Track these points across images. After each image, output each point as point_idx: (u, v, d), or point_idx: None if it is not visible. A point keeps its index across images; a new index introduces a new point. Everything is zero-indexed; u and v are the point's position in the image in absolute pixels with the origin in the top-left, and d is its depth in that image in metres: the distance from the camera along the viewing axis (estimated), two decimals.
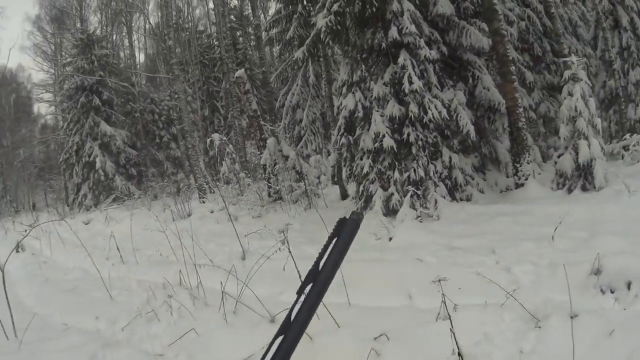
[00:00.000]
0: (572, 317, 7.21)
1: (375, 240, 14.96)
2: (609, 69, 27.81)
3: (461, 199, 17.81)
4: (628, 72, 27.57)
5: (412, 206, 16.28)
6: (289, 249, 9.44)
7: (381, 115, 16.93)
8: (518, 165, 18.61)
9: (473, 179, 18.83)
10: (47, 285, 15.87)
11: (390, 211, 16.86)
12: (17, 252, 24.00)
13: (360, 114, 17.35)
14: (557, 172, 17.96)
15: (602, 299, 8.60)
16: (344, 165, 19.23)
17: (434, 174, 16.96)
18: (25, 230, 14.33)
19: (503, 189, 19.50)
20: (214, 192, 31.47)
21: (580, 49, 28.41)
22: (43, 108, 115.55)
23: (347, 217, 2.04)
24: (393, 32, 16.90)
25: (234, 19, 50.65)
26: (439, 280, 7.62)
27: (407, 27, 16.81)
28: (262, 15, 50.68)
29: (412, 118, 16.69)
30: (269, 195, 24.21)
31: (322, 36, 17.73)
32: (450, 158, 17.63)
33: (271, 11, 47.26)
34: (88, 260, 16.91)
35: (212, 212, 25.68)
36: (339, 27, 17.62)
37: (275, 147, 23.15)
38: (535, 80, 25.62)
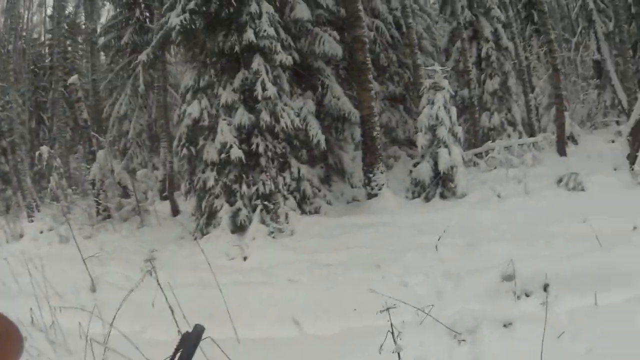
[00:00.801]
0: (505, 326, 7.32)
1: (228, 261, 13.70)
2: (461, 78, 28.15)
3: (310, 212, 17.08)
4: (485, 81, 27.96)
5: (263, 221, 15.39)
6: (157, 280, 7.94)
7: (229, 124, 15.72)
8: (371, 175, 18.14)
9: (320, 190, 18.19)
10: None
11: (238, 228, 15.64)
12: None
13: (206, 123, 16.03)
14: (413, 180, 18.00)
15: (522, 304, 8.46)
16: (184, 179, 17.54)
17: (283, 187, 16.19)
18: None
19: (349, 199, 19.33)
20: (40, 211, 29.41)
21: (423, 60, 27.84)
22: None
23: (190, 330, 2.15)
24: (249, 34, 15.81)
25: (67, 27, 48.06)
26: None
27: (265, 30, 15.86)
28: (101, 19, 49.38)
29: (263, 127, 15.74)
30: (98, 213, 22.22)
31: (173, 36, 16.35)
32: (298, 169, 16.84)
33: (104, 18, 45.31)
34: None
35: (41, 232, 23.63)
36: (193, 27, 16.10)
37: (106, 161, 21.27)
38: (378, 90, 24.75)
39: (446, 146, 17.26)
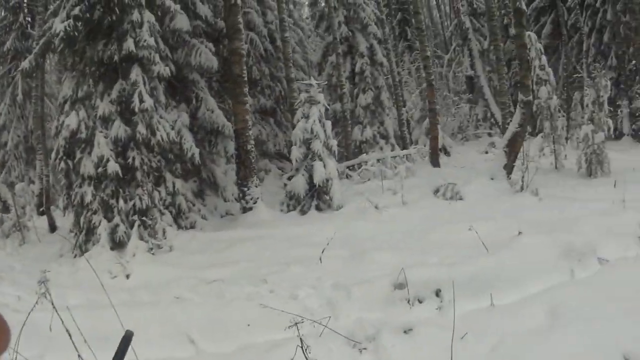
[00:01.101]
0: (406, 332, 7.42)
1: (111, 279, 13.12)
2: (334, 92, 28.48)
3: (186, 227, 16.86)
4: (358, 95, 28.71)
5: (141, 237, 14.92)
6: (52, 302, 7.35)
7: (105, 137, 15.24)
8: (245, 189, 18.03)
9: (194, 205, 18.05)
10: None
11: (117, 244, 15.12)
12: None
13: (84, 135, 15.43)
14: (288, 193, 18.13)
15: (418, 310, 8.70)
16: (62, 194, 17.06)
17: (159, 202, 15.83)
18: None
19: (223, 213, 19.14)
20: None
21: (295, 73, 27.90)
22: None
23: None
24: (129, 44, 15.38)
25: None
26: None
27: (145, 40, 15.45)
28: None
29: (140, 140, 15.36)
30: None
31: (56, 43, 15.81)
32: (173, 184, 16.58)
33: None
34: None
35: None
36: (76, 34, 15.58)
37: None
38: (250, 103, 24.90)
39: (321, 159, 17.44)
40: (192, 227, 16.94)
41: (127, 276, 13.12)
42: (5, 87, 30.25)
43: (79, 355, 6.99)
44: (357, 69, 28.81)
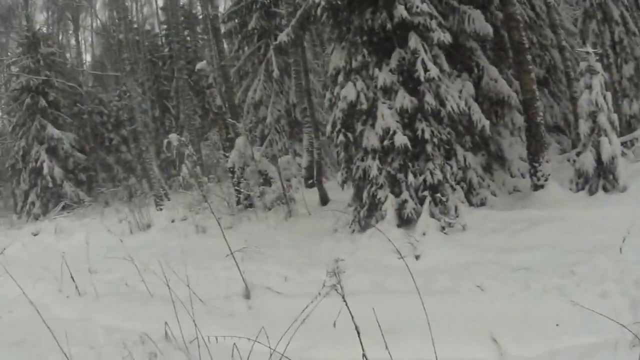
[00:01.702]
0: None
1: (398, 260, 12.09)
2: (600, 62, 26.07)
3: (476, 204, 15.79)
4: (621, 66, 26.57)
5: (432, 214, 14.05)
6: (343, 297, 6.29)
7: (389, 108, 14.50)
8: (537, 164, 16.53)
9: (484, 180, 16.81)
10: None
11: (404, 221, 14.41)
12: None
13: (364, 107, 14.76)
14: (577, 171, 16.17)
15: None
16: (341, 167, 16.42)
17: (450, 176, 14.85)
18: None
19: (511, 190, 17.68)
20: (170, 199, 28.89)
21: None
22: None
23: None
24: (400, 10, 14.45)
25: (183, 18, 48.28)
26: None
27: (417, 6, 14.49)
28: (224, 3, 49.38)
29: (429, 111, 14.43)
30: (238, 203, 21.61)
31: (318, 13, 15.37)
32: (464, 157, 15.60)
33: (221, 7, 45.29)
34: (38, 287, 14.32)
35: (172, 221, 23.05)
36: (339, 3, 15.08)
37: (246, 147, 20.44)
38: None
39: (606, 135, 15.76)
40: (483, 204, 15.96)
41: (417, 257, 12.32)
42: (257, 65, 30.52)
43: (363, 355, 6.20)
44: (615, 38, 26.58)
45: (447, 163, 14.85)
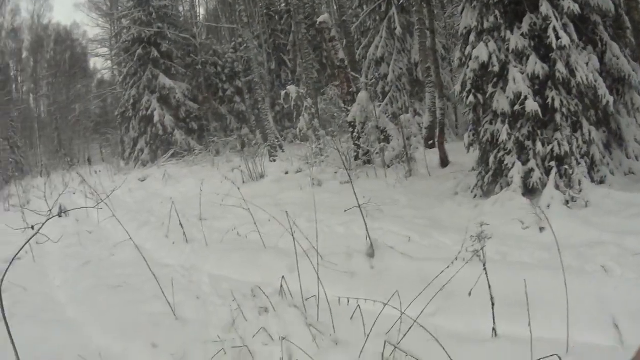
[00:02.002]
0: None
1: (522, 230, 11.65)
2: None
3: (596, 181, 14.69)
4: None
5: (557, 187, 13.19)
6: (484, 264, 6.26)
7: (521, 73, 13.72)
8: None
9: (604, 157, 15.66)
10: (86, 272, 12.47)
11: (529, 191, 13.65)
12: (60, 216, 21.52)
13: (496, 69, 13.92)
14: None
15: None
16: (468, 130, 15.87)
17: (576, 149, 13.91)
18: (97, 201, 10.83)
19: (627, 171, 16.39)
20: (284, 151, 28.75)
21: None
22: (99, 63, 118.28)
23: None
24: None
25: None
26: None
27: None
28: None
29: (560, 79, 13.58)
30: (356, 158, 21.05)
31: None
32: (589, 131, 14.44)
33: None
34: (142, 232, 14.24)
35: (286, 173, 22.83)
36: None
37: (368, 103, 19.99)
38: None
39: None
40: (602, 182, 14.83)
41: (541, 229, 11.47)
42: (378, 22, 30.02)
43: (493, 329, 6.31)
44: None
45: (574, 135, 14.02)
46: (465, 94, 14.66)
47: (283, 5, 47.88)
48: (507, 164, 13.83)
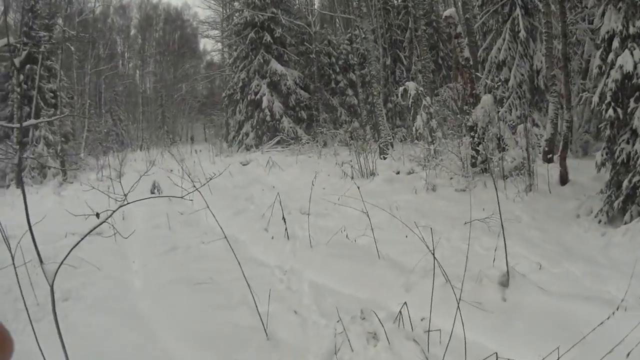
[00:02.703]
0: None
1: None
2: None
3: None
4: None
5: None
6: None
7: None
8: None
9: None
10: (169, 260, 11.91)
11: None
12: (152, 193, 21.15)
13: None
14: None
15: None
16: (604, 148, 14.64)
17: None
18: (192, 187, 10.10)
19: None
20: (394, 149, 28.06)
21: None
22: (209, 45, 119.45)
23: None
24: None
25: None
26: None
27: None
28: None
29: None
30: (473, 165, 19.92)
31: None
32: None
33: None
34: (239, 221, 13.71)
35: (397, 173, 22.01)
36: None
37: (493, 107, 19.06)
38: None
39: None
40: None
41: None
42: (501, 23, 28.92)
43: None
44: None
45: None
46: (604, 106, 13.34)
47: (401, 0, 46.81)
48: None
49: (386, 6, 45.94)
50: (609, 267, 10.04)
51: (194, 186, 7.63)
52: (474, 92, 20.10)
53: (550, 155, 20.18)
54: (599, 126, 16.79)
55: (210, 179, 8.59)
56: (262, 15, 42.96)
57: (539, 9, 25.43)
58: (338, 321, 7.36)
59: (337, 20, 54.20)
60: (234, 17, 49.44)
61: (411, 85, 21.12)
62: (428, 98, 21.91)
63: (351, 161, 22.24)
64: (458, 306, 6.11)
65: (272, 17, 43.65)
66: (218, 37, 66.95)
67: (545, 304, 7.68)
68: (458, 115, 21.55)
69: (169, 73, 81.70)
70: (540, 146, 20.60)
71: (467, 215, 9.79)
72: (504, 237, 8.72)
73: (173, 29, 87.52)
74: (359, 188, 12.26)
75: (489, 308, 7.66)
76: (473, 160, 19.59)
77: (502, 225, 8.65)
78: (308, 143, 36.10)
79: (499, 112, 21.46)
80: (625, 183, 12.80)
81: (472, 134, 19.27)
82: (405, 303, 7.29)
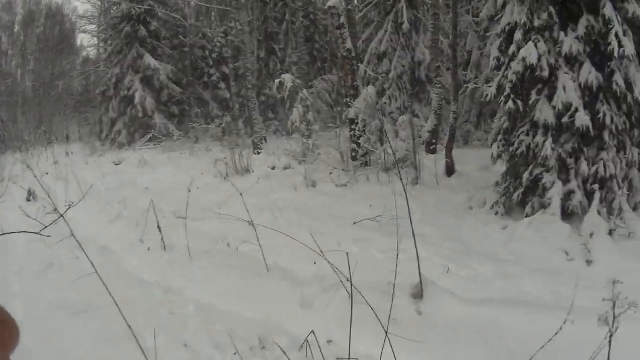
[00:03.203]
0: None
1: (567, 262, 10.09)
2: None
3: (632, 208, 12.95)
4: None
5: (598, 213, 11.67)
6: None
7: (573, 81, 12.09)
8: None
9: None
10: (46, 282, 10.62)
11: (567, 215, 12.08)
12: (29, 200, 19.78)
13: (545, 74, 12.30)
14: None
15: None
16: (497, 139, 13.95)
17: (619, 172, 12.28)
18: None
19: None
20: (268, 144, 27.92)
21: None
22: (86, 40, 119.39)
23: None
24: None
25: None
26: None
27: None
28: None
29: (618, 93, 11.92)
30: (354, 158, 19.44)
31: None
32: (632, 153, 12.71)
33: None
34: (114, 229, 12.67)
35: (273, 168, 21.12)
36: None
37: (375, 99, 18.30)
38: None
39: None
40: (635, 209, 13.01)
41: (588, 262, 10.06)
42: (383, 14, 28.39)
43: None
44: None
45: (617, 156, 12.35)
46: (503, 99, 13.09)
47: None
48: (545, 183, 12.31)
49: None
50: (517, 264, 9.86)
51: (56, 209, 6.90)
52: (355, 84, 19.35)
53: (434, 147, 20.24)
54: (497, 118, 16.20)
55: (70, 207, 7.86)
56: (139, 8, 42.01)
57: (424, 1, 25.82)
58: (235, 353, 6.32)
59: (213, 12, 53.30)
60: (112, 11, 48.59)
61: (287, 78, 20.52)
62: (305, 91, 21.03)
63: (225, 158, 20.97)
64: (386, 333, 5.10)
65: (149, 10, 42.89)
66: (95, 32, 66.83)
67: (463, 314, 7.09)
68: (333, 108, 20.93)
69: (48, 70, 79.60)
70: (421, 137, 20.36)
71: (353, 212, 8.77)
72: (415, 246, 7.70)
73: (53, 24, 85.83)
74: (238, 190, 11.11)
75: (404, 324, 6.77)
76: (354, 154, 19.08)
77: (411, 225, 7.83)
78: (180, 139, 35.57)
79: (378, 103, 20.76)
80: (526, 175, 12.77)
81: (352, 126, 18.61)
82: (312, 332, 6.38)
